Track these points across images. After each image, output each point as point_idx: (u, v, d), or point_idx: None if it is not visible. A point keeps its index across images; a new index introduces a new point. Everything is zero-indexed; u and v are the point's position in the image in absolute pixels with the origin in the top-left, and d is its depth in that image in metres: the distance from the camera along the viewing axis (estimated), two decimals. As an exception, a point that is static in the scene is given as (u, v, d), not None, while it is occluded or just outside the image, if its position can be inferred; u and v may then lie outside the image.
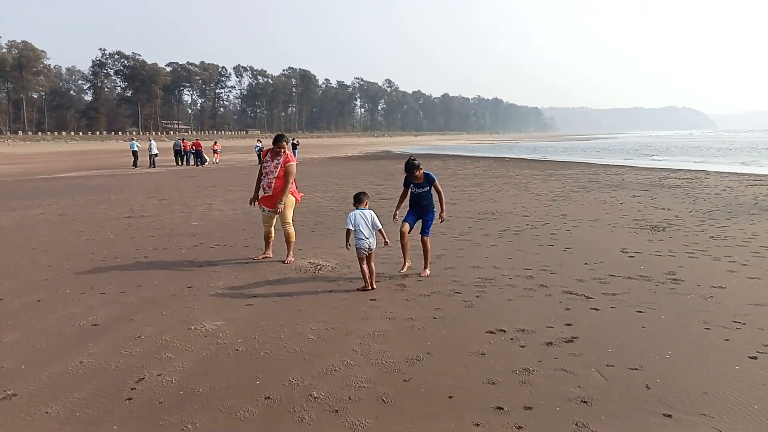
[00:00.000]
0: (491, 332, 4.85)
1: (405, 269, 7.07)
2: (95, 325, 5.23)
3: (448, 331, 4.92)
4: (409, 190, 7.28)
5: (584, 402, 3.56)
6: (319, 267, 7.43)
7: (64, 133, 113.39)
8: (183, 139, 39.43)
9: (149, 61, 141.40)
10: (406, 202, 7.33)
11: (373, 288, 6.28)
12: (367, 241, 6.33)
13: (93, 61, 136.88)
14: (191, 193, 17.94)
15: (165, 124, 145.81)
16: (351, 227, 6.34)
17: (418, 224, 7.21)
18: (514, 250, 8.33)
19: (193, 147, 37.31)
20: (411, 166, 7.08)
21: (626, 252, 7.99)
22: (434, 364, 4.21)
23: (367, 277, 6.30)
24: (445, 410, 3.49)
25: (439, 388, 3.79)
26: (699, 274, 6.74)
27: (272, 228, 8.04)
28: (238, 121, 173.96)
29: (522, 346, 4.51)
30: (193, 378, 4.03)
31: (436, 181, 7.18)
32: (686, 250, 8.08)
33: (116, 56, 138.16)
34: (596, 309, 5.44)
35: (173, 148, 38.36)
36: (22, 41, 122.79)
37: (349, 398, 3.66)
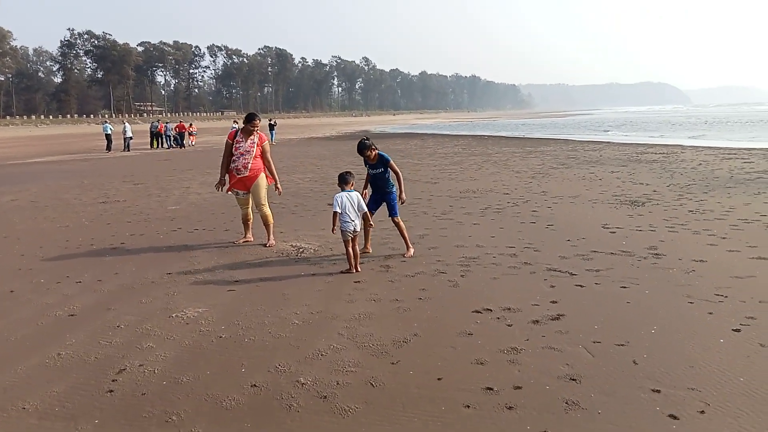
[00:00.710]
0: (477, 312, 4.82)
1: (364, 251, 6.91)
2: (72, 315, 5.09)
3: (434, 311, 4.88)
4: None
5: (573, 380, 3.55)
6: (301, 250, 7.33)
7: (33, 116, 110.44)
8: (159, 121, 38.65)
9: (120, 41, 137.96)
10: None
11: (357, 271, 6.21)
12: (353, 223, 6.26)
13: (61, 41, 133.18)
14: (168, 176, 17.61)
15: (138, 106, 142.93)
16: (338, 209, 6.24)
17: (385, 207, 7.06)
18: (496, 228, 8.31)
19: (176, 129, 36.74)
20: (362, 146, 6.87)
21: (607, 228, 8.03)
22: (422, 345, 4.17)
23: (352, 259, 6.22)
24: (434, 392, 3.46)
25: (427, 370, 3.75)
26: (680, 249, 6.79)
27: (249, 210, 7.90)
28: (213, 102, 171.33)
29: (509, 325, 4.49)
30: (176, 367, 3.93)
31: (391, 161, 6.99)
32: (666, 225, 8.14)
33: (86, 36, 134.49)
34: (581, 286, 5.45)
35: (150, 130, 37.64)
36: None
37: (337, 383, 3.61)
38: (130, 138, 34.07)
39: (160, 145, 36.39)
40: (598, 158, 19.39)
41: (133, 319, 4.93)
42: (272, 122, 41.37)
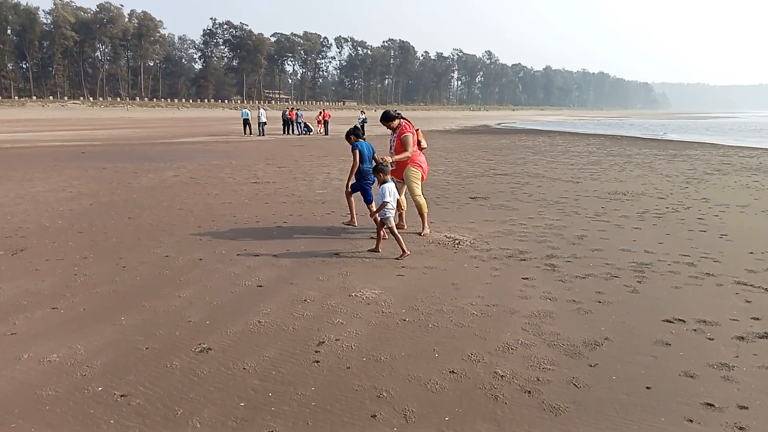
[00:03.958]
0: (668, 321, 4.55)
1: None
2: (260, 286, 5.45)
3: (619, 316, 4.67)
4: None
5: (807, 407, 3.23)
6: (457, 241, 7.33)
7: (176, 100, 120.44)
8: (291, 109, 40.59)
9: (255, 32, 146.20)
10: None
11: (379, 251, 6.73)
12: (393, 210, 6.73)
13: (204, 30, 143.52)
14: (306, 162, 18.40)
15: (267, 93, 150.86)
16: (389, 199, 6.62)
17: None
18: (661, 234, 7.81)
19: (322, 116, 38.63)
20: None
21: (795, 243, 7.27)
22: (616, 350, 4.00)
23: (381, 244, 6.82)
24: (646, 401, 3.30)
25: (631, 377, 3.59)
26: None
27: (403, 198, 8.04)
28: (335, 92, 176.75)
29: (710, 339, 4.19)
30: (371, 345, 4.08)
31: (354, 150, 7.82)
32: None
33: (225, 26, 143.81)
34: (782, 304, 4.97)
35: (282, 117, 39.64)
36: (142, 11, 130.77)
37: (538, 379, 3.55)
38: (264, 123, 36.04)
39: (290, 131, 38.20)
40: (758, 165, 17.65)
41: (316, 294, 5.18)
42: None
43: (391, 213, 6.69)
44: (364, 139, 8.08)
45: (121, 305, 4.89)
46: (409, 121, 8.05)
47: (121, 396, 3.35)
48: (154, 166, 16.72)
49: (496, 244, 7.17)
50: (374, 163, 7.69)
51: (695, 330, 4.37)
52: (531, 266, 6.18)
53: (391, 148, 7.95)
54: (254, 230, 7.97)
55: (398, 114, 8.08)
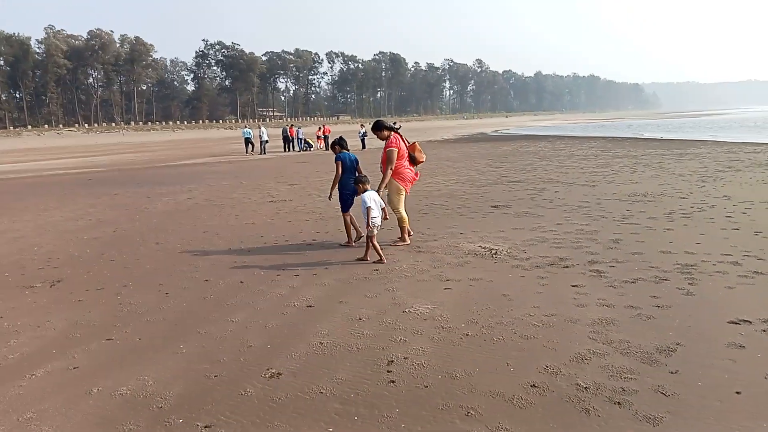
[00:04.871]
0: (734, 322, 4.50)
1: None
2: (310, 306, 5.38)
3: (683, 320, 4.62)
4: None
5: None
6: (493, 251, 7.28)
7: (170, 122, 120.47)
8: (291, 126, 40.61)
9: (247, 51, 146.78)
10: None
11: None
12: (379, 218, 6.97)
13: (196, 51, 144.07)
14: (316, 179, 18.34)
15: (261, 111, 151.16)
16: (373, 206, 6.88)
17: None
18: (695, 234, 7.78)
19: (323, 132, 39.11)
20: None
21: (833, 237, 7.25)
22: (692, 355, 3.94)
23: (380, 251, 6.92)
24: (741, 407, 3.24)
25: (718, 382, 3.53)
26: None
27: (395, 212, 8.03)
28: (328, 107, 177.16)
29: (783, 339, 4.14)
30: (441, 362, 4.01)
31: (336, 161, 7.99)
32: None
33: (217, 46, 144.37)
34: (842, 300, 4.93)
35: (282, 134, 39.66)
36: (135, 36, 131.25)
37: (623, 390, 3.49)
38: (266, 141, 36.05)
39: (291, 149, 38.21)
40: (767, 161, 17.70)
41: (369, 312, 5.11)
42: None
43: (377, 220, 6.93)
44: (348, 150, 8.26)
45: (176, 333, 4.82)
46: (400, 135, 8.03)
47: (205, 427, 3.28)
48: (165, 189, 16.65)
49: (534, 252, 7.13)
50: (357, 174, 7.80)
51: (765, 330, 4.32)
52: (576, 273, 6.13)
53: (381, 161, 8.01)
54: (285, 249, 7.91)
55: (393, 126, 8.12)
